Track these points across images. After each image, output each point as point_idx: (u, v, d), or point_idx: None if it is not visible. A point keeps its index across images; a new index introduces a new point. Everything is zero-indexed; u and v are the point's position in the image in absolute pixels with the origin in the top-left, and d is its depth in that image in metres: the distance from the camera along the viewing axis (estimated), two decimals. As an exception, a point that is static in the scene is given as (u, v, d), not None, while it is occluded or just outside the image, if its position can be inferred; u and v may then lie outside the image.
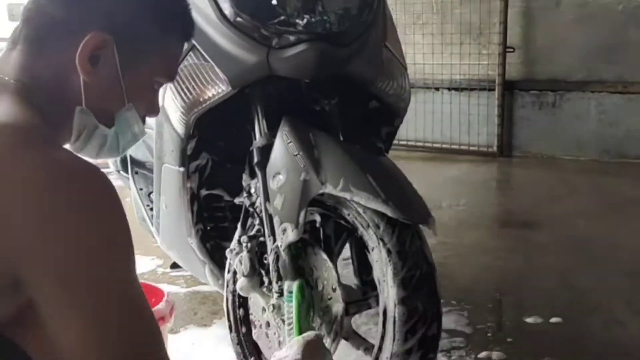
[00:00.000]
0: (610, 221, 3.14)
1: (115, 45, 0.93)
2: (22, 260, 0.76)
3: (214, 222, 1.76)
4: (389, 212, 1.25)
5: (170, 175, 1.67)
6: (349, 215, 1.35)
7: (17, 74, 0.92)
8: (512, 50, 4.59)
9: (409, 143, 4.99)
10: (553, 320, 2.11)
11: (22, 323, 0.80)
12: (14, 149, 0.80)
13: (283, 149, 1.38)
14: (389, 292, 1.28)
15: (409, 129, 4.90)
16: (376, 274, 1.31)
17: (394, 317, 1.27)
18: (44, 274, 0.77)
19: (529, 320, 2.11)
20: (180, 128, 1.56)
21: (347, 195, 1.29)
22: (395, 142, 5.39)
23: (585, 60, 4.45)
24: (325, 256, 1.39)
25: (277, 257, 1.38)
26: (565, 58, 4.50)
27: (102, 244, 0.80)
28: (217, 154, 1.67)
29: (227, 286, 1.58)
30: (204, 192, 1.68)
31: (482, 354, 1.89)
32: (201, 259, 1.73)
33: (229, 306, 1.59)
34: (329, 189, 1.31)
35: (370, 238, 1.30)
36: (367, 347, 1.44)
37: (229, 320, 1.60)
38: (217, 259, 1.73)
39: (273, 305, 1.42)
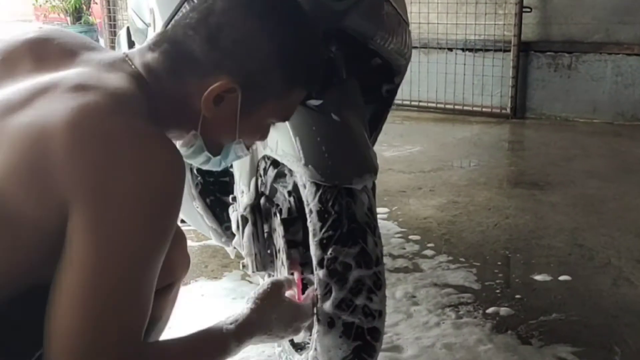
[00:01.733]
0: (622, 182, 3.12)
1: (241, 92, 0.98)
2: (70, 193, 0.82)
3: (214, 176, 1.76)
4: (306, 175, 1.20)
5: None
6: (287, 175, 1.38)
7: (144, 70, 0.97)
8: (529, 10, 4.51)
9: (421, 104, 4.95)
10: (562, 278, 2.11)
11: None
12: (113, 107, 0.87)
13: None
14: (314, 253, 1.22)
15: (421, 90, 4.85)
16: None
17: (317, 281, 1.21)
18: (82, 210, 0.82)
19: (538, 277, 2.12)
20: None
21: (278, 158, 1.29)
22: (407, 102, 5.33)
23: (602, 21, 4.37)
24: (278, 219, 1.39)
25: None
26: (582, 19, 4.42)
27: (142, 223, 0.85)
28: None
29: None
30: None
31: (490, 310, 1.90)
32: (201, 213, 1.74)
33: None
34: (267, 151, 1.33)
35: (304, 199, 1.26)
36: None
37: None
38: (217, 213, 1.74)
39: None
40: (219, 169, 1.12)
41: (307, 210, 1.23)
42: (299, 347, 1.41)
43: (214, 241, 2.46)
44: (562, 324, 1.83)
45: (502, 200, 2.90)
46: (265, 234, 1.47)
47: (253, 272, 1.48)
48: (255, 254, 1.45)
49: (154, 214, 0.86)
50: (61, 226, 0.83)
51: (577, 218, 2.65)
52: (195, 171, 1.69)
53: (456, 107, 4.86)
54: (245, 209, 1.46)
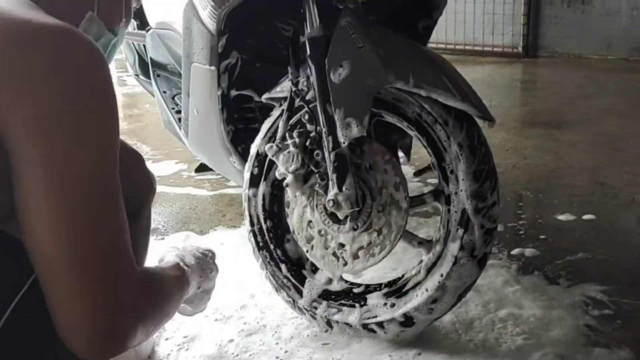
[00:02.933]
0: (642, 119, 3.07)
1: None
2: (3, 115, 0.75)
3: (244, 124, 1.71)
4: (469, 110, 1.27)
5: (199, 75, 1.60)
6: (412, 112, 1.33)
7: None
8: (540, -58, 4.36)
9: (429, 45, 4.84)
10: (586, 217, 2.08)
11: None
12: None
13: (346, 40, 1.31)
14: (459, 184, 1.32)
15: (431, 30, 4.73)
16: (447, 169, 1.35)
17: (464, 210, 1.32)
18: (21, 127, 0.76)
19: (561, 217, 2.09)
20: (210, 24, 1.49)
21: (422, 92, 1.27)
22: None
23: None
24: (386, 151, 1.36)
25: (337, 153, 1.34)
26: (597, -50, 4.28)
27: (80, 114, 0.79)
28: (247, 53, 1.60)
29: (261, 184, 1.55)
30: (233, 92, 1.63)
31: (515, 251, 1.88)
32: (232, 160, 1.70)
33: (257, 206, 1.56)
34: (398, 84, 1.27)
35: (439, 134, 1.32)
36: (421, 242, 1.43)
37: (252, 221, 1.58)
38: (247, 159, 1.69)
39: (324, 204, 1.39)
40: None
41: (451, 144, 1.30)
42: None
43: (231, 190, 2.45)
44: (589, 263, 1.80)
45: (519, 141, 2.85)
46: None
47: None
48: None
49: (98, 120, 0.81)
50: None
51: (597, 156, 2.61)
52: (225, 121, 1.63)
53: (466, 47, 4.76)
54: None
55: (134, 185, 1.07)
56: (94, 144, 0.80)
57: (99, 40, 1.00)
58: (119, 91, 4.42)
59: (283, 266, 1.54)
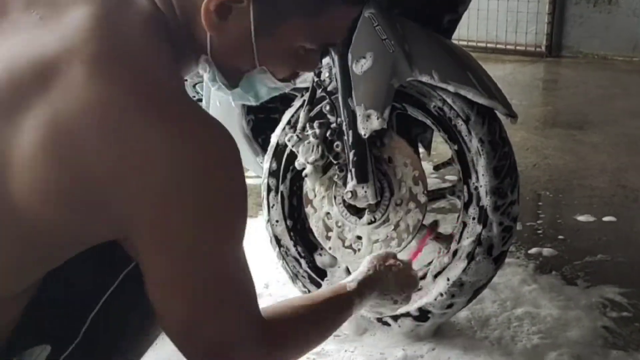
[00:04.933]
0: (666, 122, 3.02)
1: (252, 2, 0.77)
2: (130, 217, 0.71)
3: (265, 113, 1.71)
4: (496, 107, 1.27)
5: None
6: (433, 106, 1.32)
7: None
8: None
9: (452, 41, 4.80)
10: (606, 219, 2.06)
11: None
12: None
13: (370, 31, 1.30)
14: (479, 180, 1.31)
15: (453, 27, 4.69)
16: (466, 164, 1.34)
17: (483, 205, 1.31)
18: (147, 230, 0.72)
19: (581, 218, 2.07)
20: None
21: (450, 88, 1.26)
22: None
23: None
24: (407, 144, 1.36)
25: (357, 145, 1.33)
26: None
27: (213, 214, 0.74)
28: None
29: (280, 176, 1.54)
30: None
31: (533, 250, 1.86)
32: (252, 149, 1.70)
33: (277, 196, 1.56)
34: (423, 78, 1.27)
35: (460, 129, 1.31)
36: (439, 237, 1.42)
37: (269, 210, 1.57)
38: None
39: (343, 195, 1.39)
40: (253, 104, 0.96)
41: (472, 139, 1.29)
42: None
43: (250, 179, 2.45)
44: (607, 265, 1.78)
45: (540, 141, 2.82)
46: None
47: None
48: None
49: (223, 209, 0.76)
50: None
51: (619, 158, 2.58)
52: (246, 110, 1.63)
53: (489, 45, 4.72)
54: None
55: None
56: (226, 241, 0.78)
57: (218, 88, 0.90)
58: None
59: (302, 261, 1.54)
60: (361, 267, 1.10)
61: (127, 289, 0.81)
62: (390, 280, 1.08)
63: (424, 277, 1.41)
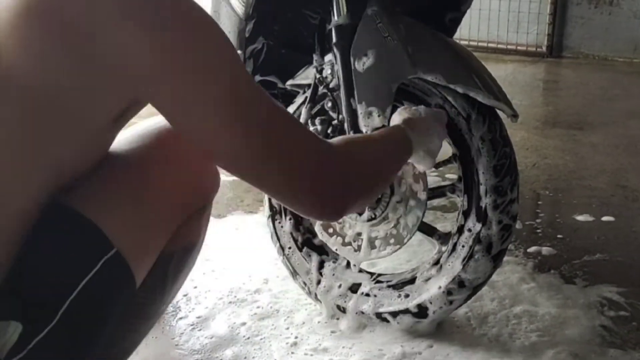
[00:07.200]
0: (666, 124, 3.03)
1: None
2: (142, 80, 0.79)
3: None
4: (504, 109, 1.27)
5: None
6: (434, 105, 1.33)
7: None
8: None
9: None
10: (605, 218, 2.06)
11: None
12: None
13: (372, 29, 1.31)
14: (479, 179, 1.32)
15: (455, 26, 4.69)
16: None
17: (484, 204, 1.32)
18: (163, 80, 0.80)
19: (580, 218, 2.07)
20: (239, 8, 1.50)
21: (459, 89, 1.26)
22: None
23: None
24: None
25: None
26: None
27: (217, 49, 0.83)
28: (273, 39, 1.60)
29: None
30: (257, 78, 1.63)
31: (532, 249, 1.87)
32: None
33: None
34: (427, 76, 1.27)
35: (461, 127, 1.32)
36: (438, 235, 1.42)
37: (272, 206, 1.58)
38: None
39: None
40: None
41: (472, 138, 1.31)
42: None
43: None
44: (606, 265, 1.78)
45: (540, 141, 2.83)
46: None
47: None
48: None
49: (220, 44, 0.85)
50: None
51: (619, 159, 2.58)
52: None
53: (490, 44, 4.72)
54: None
55: (202, 184, 1.04)
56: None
57: None
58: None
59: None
60: (394, 120, 1.23)
61: (107, 276, 0.81)
62: (426, 116, 1.23)
63: (422, 275, 1.41)
